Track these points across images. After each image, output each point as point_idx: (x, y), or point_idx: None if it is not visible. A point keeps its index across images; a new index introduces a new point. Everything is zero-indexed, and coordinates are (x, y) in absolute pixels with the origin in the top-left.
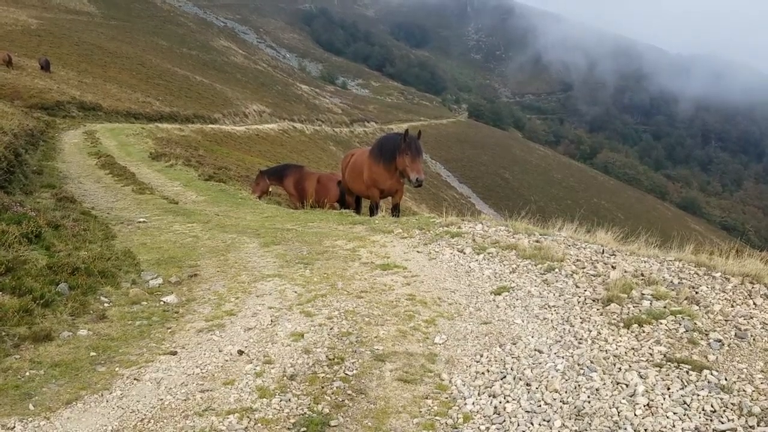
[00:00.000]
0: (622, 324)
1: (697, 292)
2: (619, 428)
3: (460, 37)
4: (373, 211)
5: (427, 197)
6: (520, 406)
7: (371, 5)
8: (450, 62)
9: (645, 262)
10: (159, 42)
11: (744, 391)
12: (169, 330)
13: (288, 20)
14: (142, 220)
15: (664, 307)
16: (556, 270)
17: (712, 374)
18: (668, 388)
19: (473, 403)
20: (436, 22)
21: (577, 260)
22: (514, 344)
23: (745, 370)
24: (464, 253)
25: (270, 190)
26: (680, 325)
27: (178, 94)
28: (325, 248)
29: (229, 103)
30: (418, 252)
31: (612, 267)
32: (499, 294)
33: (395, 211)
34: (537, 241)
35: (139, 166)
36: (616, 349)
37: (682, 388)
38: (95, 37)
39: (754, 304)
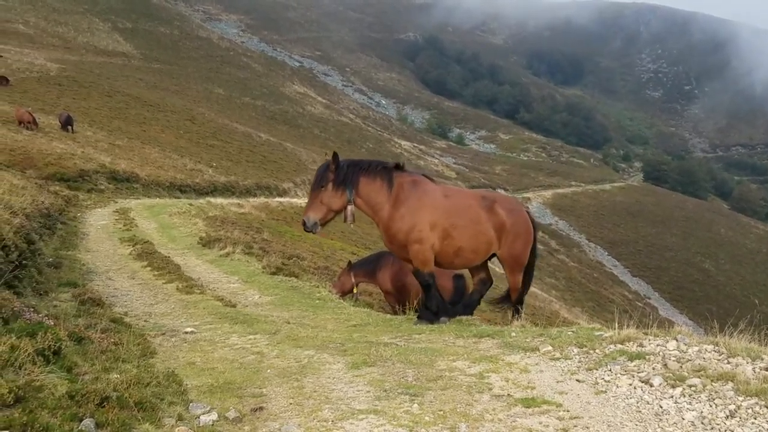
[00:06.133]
0: None
1: None
2: None
3: (630, 68)
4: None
5: (584, 297)
6: None
7: (499, 30)
8: (614, 104)
9: None
10: (214, 90)
11: None
12: None
13: (384, 55)
14: (189, 330)
15: None
16: None
17: None
18: None
19: None
20: (593, 48)
21: None
22: None
23: None
24: (651, 386)
25: (355, 290)
26: None
27: (236, 158)
28: (439, 373)
29: (303, 167)
30: (578, 381)
31: None
32: None
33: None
34: (767, 369)
35: (186, 255)
36: None
37: None
38: (132, 86)
39: None
